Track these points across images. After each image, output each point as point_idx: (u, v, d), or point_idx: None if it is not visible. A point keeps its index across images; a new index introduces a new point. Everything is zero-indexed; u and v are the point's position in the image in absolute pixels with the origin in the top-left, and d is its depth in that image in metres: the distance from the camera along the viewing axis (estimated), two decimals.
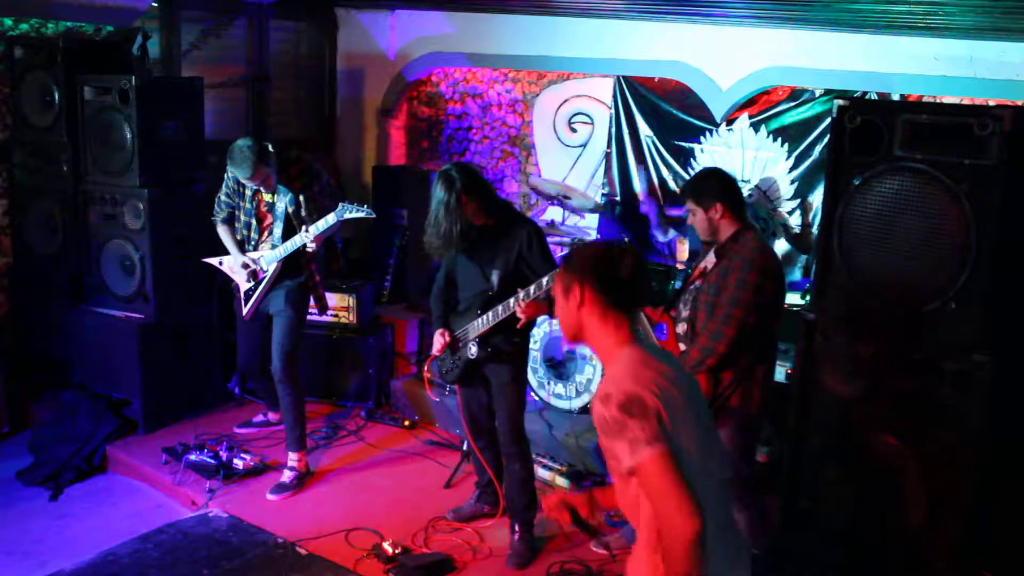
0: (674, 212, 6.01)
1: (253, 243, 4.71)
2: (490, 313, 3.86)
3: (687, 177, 5.85)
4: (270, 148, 4.47)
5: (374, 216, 4.56)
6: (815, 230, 5.40)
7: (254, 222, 4.67)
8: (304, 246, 4.52)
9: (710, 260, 3.71)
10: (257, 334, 4.83)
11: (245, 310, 4.76)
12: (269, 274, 4.66)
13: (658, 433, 1.96)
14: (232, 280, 4.83)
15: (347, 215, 4.42)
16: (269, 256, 4.64)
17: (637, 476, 1.98)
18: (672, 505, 1.90)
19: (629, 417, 1.97)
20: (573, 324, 2.21)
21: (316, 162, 4.76)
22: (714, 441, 2.23)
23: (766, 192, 5.81)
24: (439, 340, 4.03)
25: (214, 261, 4.86)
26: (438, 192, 3.77)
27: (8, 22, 5.52)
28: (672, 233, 6.00)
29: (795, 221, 5.71)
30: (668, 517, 1.91)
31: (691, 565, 1.89)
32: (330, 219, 4.43)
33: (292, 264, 4.65)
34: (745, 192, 5.80)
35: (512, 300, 3.74)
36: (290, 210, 4.56)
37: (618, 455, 2.00)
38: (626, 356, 2.13)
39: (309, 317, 4.94)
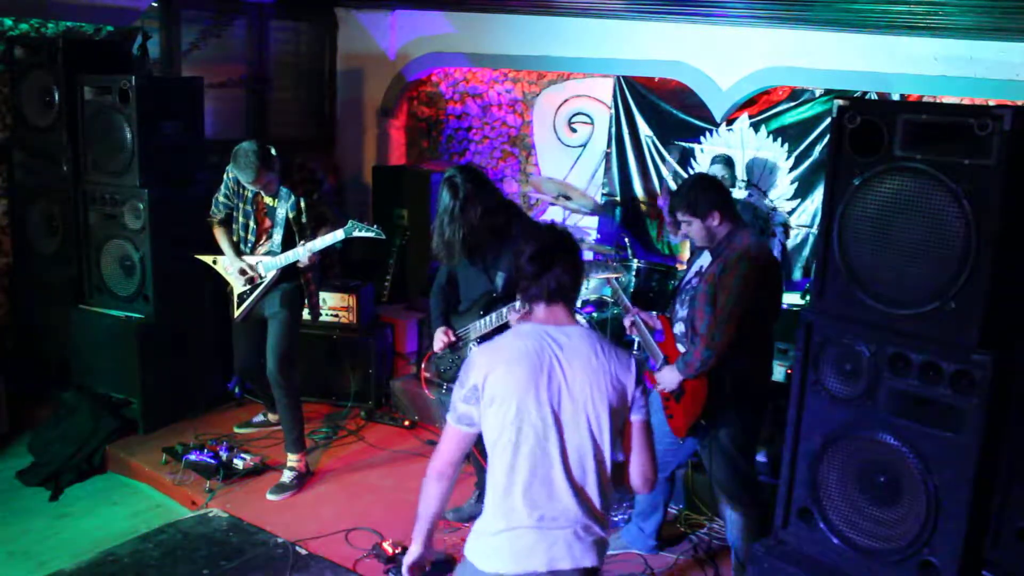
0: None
1: (250, 245, 4.70)
2: (493, 315, 3.85)
3: (686, 176, 5.85)
4: (273, 152, 4.46)
5: (383, 237, 4.56)
6: (815, 230, 5.40)
7: (252, 224, 4.66)
8: (298, 260, 4.53)
9: (706, 259, 3.71)
10: (253, 337, 4.82)
11: (238, 313, 4.75)
12: (266, 281, 4.65)
13: (455, 406, 2.48)
14: (225, 280, 4.82)
15: (355, 233, 4.44)
16: (268, 263, 4.63)
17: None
18: (435, 453, 2.55)
19: (459, 377, 2.50)
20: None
21: (320, 170, 4.76)
22: (572, 424, 2.45)
23: (766, 192, 5.81)
24: (441, 338, 4.02)
25: (208, 259, 4.84)
26: (444, 198, 3.77)
27: (8, 22, 5.52)
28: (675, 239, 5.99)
29: (795, 221, 5.71)
30: (434, 455, 2.56)
31: (425, 490, 2.54)
32: (338, 234, 4.44)
33: (289, 267, 4.64)
34: (745, 192, 5.82)
35: (518, 303, 3.74)
36: (291, 216, 4.56)
37: None
38: (517, 329, 2.54)
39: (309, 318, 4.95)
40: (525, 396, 2.39)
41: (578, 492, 2.43)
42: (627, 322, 3.95)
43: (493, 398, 2.41)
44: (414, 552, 2.60)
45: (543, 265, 2.50)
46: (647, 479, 2.56)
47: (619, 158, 6.41)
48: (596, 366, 2.45)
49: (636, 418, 2.54)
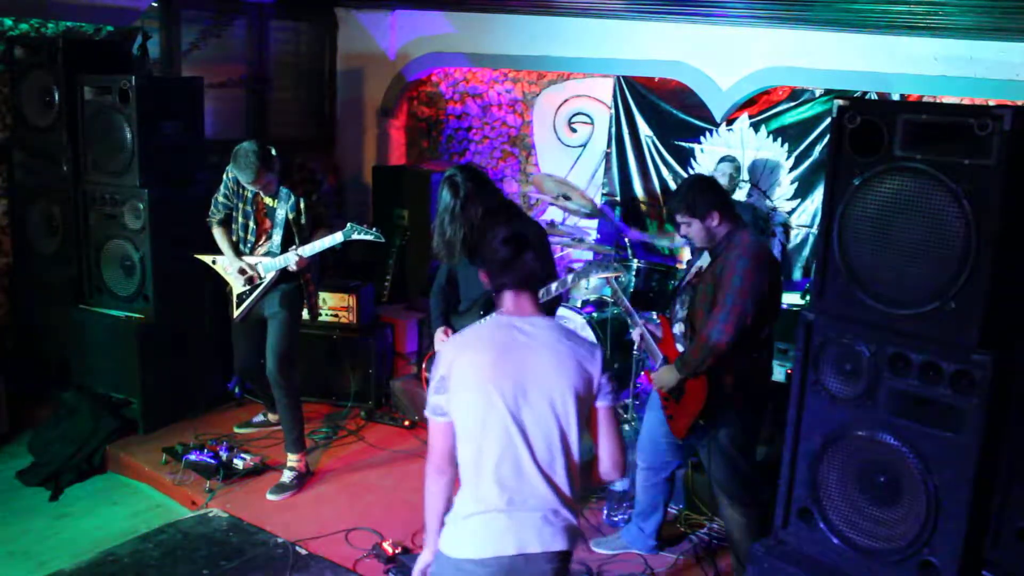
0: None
1: (249, 245, 4.70)
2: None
3: (686, 176, 5.85)
4: (274, 153, 4.46)
5: (383, 240, 4.56)
6: (815, 230, 5.40)
7: (252, 224, 4.66)
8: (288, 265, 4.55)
9: (706, 260, 3.71)
10: (253, 337, 4.82)
11: (237, 313, 4.75)
12: (266, 281, 4.65)
13: (429, 399, 2.53)
14: (224, 280, 4.82)
15: (355, 236, 4.44)
16: (268, 264, 4.63)
17: None
18: (429, 453, 2.56)
19: (433, 369, 2.56)
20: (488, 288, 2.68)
21: (319, 170, 4.76)
22: (535, 411, 2.50)
23: (766, 192, 5.81)
24: (442, 338, 4.02)
25: (207, 259, 4.84)
26: (444, 198, 3.76)
27: (8, 22, 5.52)
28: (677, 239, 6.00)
29: (795, 221, 5.71)
30: (427, 454, 2.57)
31: (429, 489, 2.57)
32: (337, 237, 4.45)
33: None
34: (745, 192, 5.82)
35: None
36: (291, 216, 4.56)
37: None
38: (485, 320, 2.63)
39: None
40: (491, 383, 2.44)
41: (546, 477, 2.48)
42: (636, 335, 3.96)
43: (460, 386, 2.47)
44: (427, 557, 2.60)
45: (517, 250, 2.55)
46: (617, 463, 2.60)
47: (619, 158, 6.42)
48: (562, 355, 2.50)
49: (602, 404, 2.58)
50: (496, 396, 2.44)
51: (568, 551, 2.52)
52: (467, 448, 2.49)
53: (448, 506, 2.56)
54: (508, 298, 2.59)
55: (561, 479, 2.50)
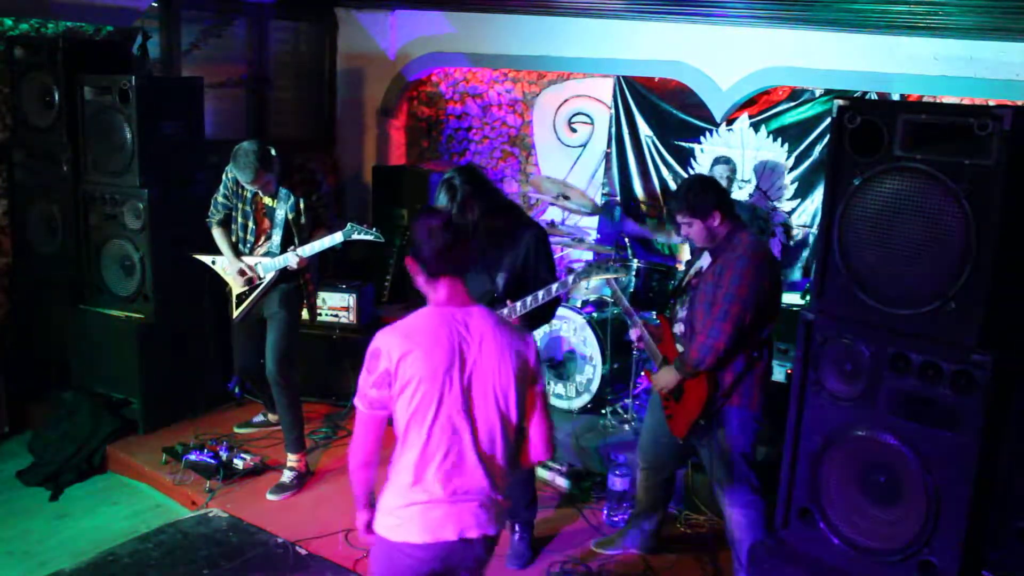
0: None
1: (248, 245, 4.69)
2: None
3: (686, 176, 5.86)
4: (273, 153, 4.46)
5: (382, 240, 4.57)
6: (815, 230, 5.40)
7: (251, 224, 4.66)
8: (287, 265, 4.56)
9: (706, 260, 3.71)
10: (253, 337, 4.82)
11: (237, 314, 4.75)
12: (265, 282, 4.65)
13: (365, 394, 2.54)
14: (224, 281, 4.82)
15: (355, 236, 4.45)
16: (267, 264, 4.63)
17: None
18: (354, 442, 2.61)
19: (366, 363, 2.54)
20: (417, 287, 2.65)
21: (320, 172, 4.76)
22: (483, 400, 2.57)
23: (766, 192, 5.81)
24: None
25: (207, 259, 4.83)
26: (441, 200, 3.72)
27: (8, 22, 5.52)
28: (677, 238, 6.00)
29: (795, 221, 5.71)
30: (351, 444, 2.62)
31: (355, 478, 2.63)
32: (336, 237, 4.45)
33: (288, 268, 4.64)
34: (745, 192, 5.82)
35: (518, 304, 3.74)
36: (290, 217, 4.56)
37: None
38: (416, 313, 2.58)
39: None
40: (438, 378, 2.48)
41: (488, 466, 2.57)
42: (634, 336, 3.96)
43: (407, 382, 2.48)
44: (364, 516, 2.69)
45: (456, 235, 2.57)
46: (548, 444, 2.70)
47: (619, 158, 6.41)
48: (502, 346, 2.56)
49: (538, 389, 2.67)
50: (446, 392, 2.49)
51: (498, 534, 2.69)
52: (412, 442, 2.53)
53: (374, 486, 2.66)
54: (444, 288, 2.58)
55: (498, 467, 2.61)
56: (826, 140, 5.21)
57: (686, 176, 5.89)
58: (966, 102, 4.91)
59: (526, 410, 2.65)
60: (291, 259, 4.53)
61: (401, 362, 2.48)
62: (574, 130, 6.73)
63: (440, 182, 3.75)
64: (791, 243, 5.73)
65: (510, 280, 3.83)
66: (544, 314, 3.89)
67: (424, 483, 2.53)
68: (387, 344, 2.52)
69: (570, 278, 3.89)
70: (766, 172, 5.79)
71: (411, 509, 2.55)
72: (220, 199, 4.70)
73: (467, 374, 2.52)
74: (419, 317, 2.58)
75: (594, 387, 5.35)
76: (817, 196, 5.48)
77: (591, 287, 5.46)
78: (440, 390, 2.48)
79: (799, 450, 3.05)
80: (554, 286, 3.76)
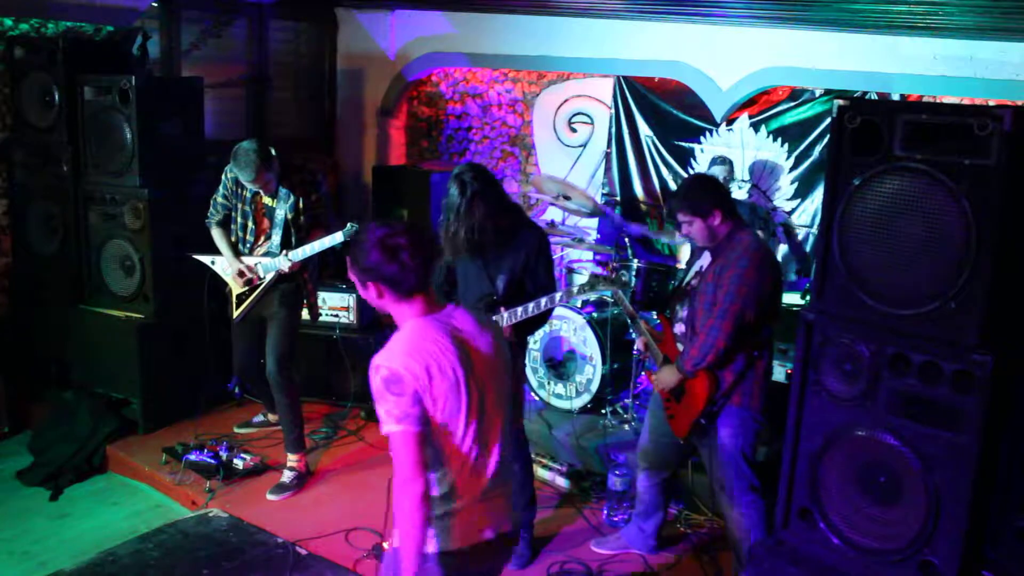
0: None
1: (248, 246, 4.69)
2: (495, 317, 3.85)
3: (686, 176, 5.86)
4: (273, 152, 4.46)
5: None
6: (815, 230, 5.40)
7: (251, 224, 4.66)
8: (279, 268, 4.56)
9: (706, 260, 3.72)
10: (252, 337, 4.82)
11: (236, 314, 4.75)
12: (265, 282, 4.65)
13: (407, 413, 2.35)
14: (223, 281, 4.81)
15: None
16: (267, 264, 4.63)
17: (389, 440, 2.40)
18: (407, 472, 2.36)
19: (387, 392, 2.36)
20: (380, 308, 2.53)
21: (319, 172, 4.76)
22: (502, 408, 2.58)
23: (766, 192, 5.81)
24: None
25: (206, 259, 4.83)
26: (451, 195, 3.74)
27: (8, 22, 5.52)
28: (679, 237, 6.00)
29: (795, 221, 5.71)
30: (402, 479, 2.37)
31: (417, 515, 2.37)
32: (336, 237, 4.45)
33: None
34: (745, 192, 5.82)
35: (520, 309, 3.74)
36: (289, 217, 4.56)
37: (379, 417, 2.40)
38: (409, 328, 2.46)
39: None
40: (461, 385, 2.44)
41: (503, 458, 2.59)
42: (640, 345, 3.97)
43: (438, 396, 2.40)
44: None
45: (429, 250, 2.46)
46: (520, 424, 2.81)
47: (619, 158, 6.41)
48: (488, 339, 2.56)
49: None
50: (468, 397, 2.46)
51: (519, 518, 2.75)
52: (448, 450, 2.48)
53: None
54: (420, 300, 2.47)
55: (509, 453, 2.65)
56: (826, 140, 5.22)
57: (686, 176, 5.90)
58: (966, 102, 4.91)
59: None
60: (282, 263, 4.53)
61: (427, 379, 2.38)
62: (574, 130, 6.73)
63: (452, 176, 3.76)
64: (791, 243, 5.73)
65: (510, 283, 3.84)
66: (540, 318, 3.90)
67: (457, 490, 2.49)
68: (404, 365, 2.37)
69: (575, 289, 3.92)
70: (765, 172, 5.79)
71: (447, 519, 2.48)
72: (219, 199, 4.70)
73: (478, 374, 2.50)
74: (414, 333, 2.45)
75: (594, 387, 5.35)
76: (817, 196, 5.48)
77: (592, 297, 5.46)
78: (464, 397, 2.45)
79: (799, 450, 3.05)
80: (557, 295, 3.77)
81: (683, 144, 6.11)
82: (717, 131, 5.94)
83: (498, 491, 2.58)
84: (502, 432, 2.60)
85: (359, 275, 2.47)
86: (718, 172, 5.55)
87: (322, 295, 5.70)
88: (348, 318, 5.81)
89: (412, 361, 2.39)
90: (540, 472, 4.81)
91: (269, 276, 4.63)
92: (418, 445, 2.38)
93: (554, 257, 4.10)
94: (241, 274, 4.65)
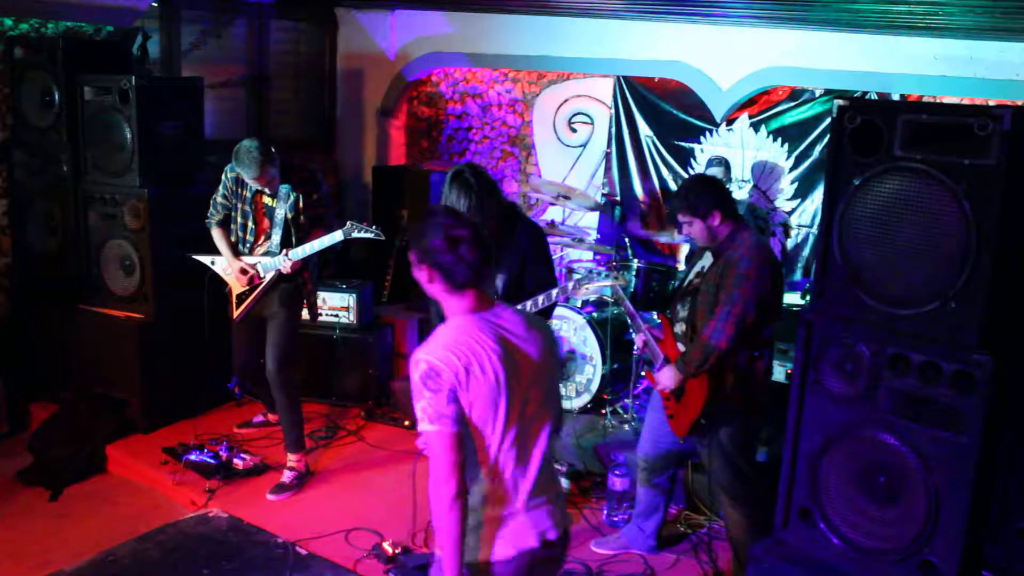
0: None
1: (248, 245, 4.69)
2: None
3: (686, 176, 5.86)
4: (273, 150, 4.47)
5: (383, 238, 4.56)
6: (815, 230, 5.40)
7: (251, 224, 4.66)
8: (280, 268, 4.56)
9: (707, 260, 3.72)
10: (252, 337, 4.82)
11: (236, 313, 4.75)
12: (265, 282, 4.65)
13: (442, 413, 2.31)
14: (223, 281, 4.81)
15: (355, 234, 4.44)
16: (267, 263, 4.63)
17: (424, 437, 2.37)
18: (442, 473, 2.31)
19: (424, 387, 2.33)
20: (430, 294, 2.49)
21: (320, 172, 4.77)
22: (544, 413, 2.50)
23: (766, 192, 5.81)
24: None
25: (206, 260, 4.83)
26: (453, 196, 3.69)
27: (8, 22, 5.52)
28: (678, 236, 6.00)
29: (795, 221, 5.71)
30: (436, 480, 2.32)
31: (451, 516, 2.32)
32: (336, 236, 4.45)
33: None
34: (745, 192, 5.82)
35: (528, 304, 3.74)
36: (290, 216, 4.56)
37: (415, 415, 2.37)
38: (454, 324, 2.42)
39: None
40: (501, 387, 2.37)
41: (547, 462, 2.52)
42: (639, 341, 3.96)
43: (475, 396, 2.35)
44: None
45: (455, 242, 2.38)
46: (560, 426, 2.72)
47: (619, 158, 6.41)
48: (536, 340, 2.49)
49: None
50: (509, 399, 2.39)
51: (569, 525, 2.61)
52: (486, 455, 2.42)
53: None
54: (471, 296, 2.43)
55: (551, 461, 2.57)
56: (826, 140, 5.21)
57: (686, 176, 5.90)
58: (966, 102, 4.91)
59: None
60: (283, 263, 4.53)
61: (466, 377, 2.33)
62: (574, 130, 6.73)
63: (451, 177, 3.71)
64: (791, 243, 5.73)
65: (509, 281, 3.83)
66: (542, 315, 3.89)
67: (498, 496, 2.43)
68: (443, 360, 2.33)
69: (571, 284, 3.89)
70: (766, 172, 5.79)
71: (489, 527, 2.43)
72: (219, 199, 4.70)
73: (521, 377, 2.42)
74: (458, 329, 2.41)
75: (594, 387, 5.35)
76: (817, 196, 5.48)
77: (591, 288, 5.46)
78: (504, 400, 2.37)
79: (799, 450, 3.05)
80: (554, 292, 3.76)
81: (683, 144, 6.11)
82: (717, 131, 5.94)
83: (542, 498, 2.49)
84: (547, 437, 2.51)
85: (417, 254, 2.43)
86: (715, 173, 5.55)
87: (322, 295, 5.71)
88: (348, 318, 5.82)
89: (452, 357, 2.33)
90: None
91: (269, 276, 4.63)
92: (454, 446, 2.33)
93: (554, 257, 4.09)
94: (243, 272, 4.64)
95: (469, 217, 3.66)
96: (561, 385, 5.39)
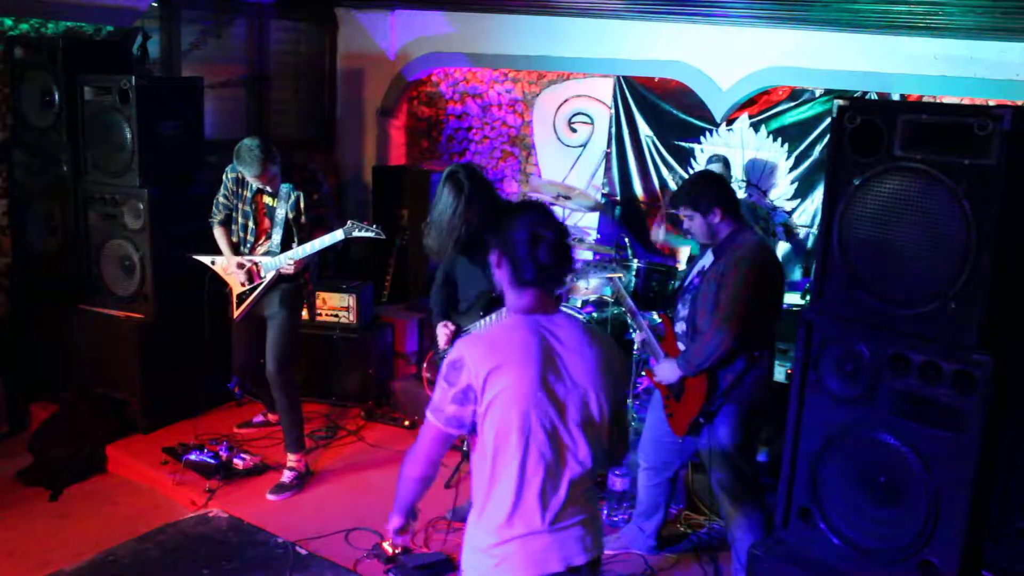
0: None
1: (248, 245, 4.69)
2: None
3: (686, 176, 5.86)
4: (274, 149, 4.47)
5: (383, 237, 4.56)
6: (815, 230, 5.40)
7: (251, 224, 4.66)
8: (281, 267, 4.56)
9: (708, 259, 3.72)
10: (252, 337, 4.82)
11: (236, 313, 4.75)
12: (266, 281, 4.65)
13: (444, 407, 2.31)
14: (223, 281, 4.81)
15: (355, 233, 4.45)
16: (267, 263, 4.63)
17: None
18: (418, 456, 2.40)
19: (445, 374, 2.32)
20: (496, 278, 2.45)
21: (320, 172, 4.77)
22: (581, 420, 2.36)
23: (766, 192, 5.81)
24: (444, 332, 4.01)
25: (206, 260, 4.83)
26: (445, 196, 3.72)
27: (8, 22, 5.52)
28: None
29: (795, 221, 5.71)
30: (412, 458, 2.42)
31: (410, 488, 2.46)
32: (337, 235, 4.45)
33: None
34: (745, 192, 5.82)
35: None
36: (291, 216, 4.56)
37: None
38: (504, 323, 2.43)
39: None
40: (533, 395, 2.26)
41: (584, 485, 2.40)
42: (639, 339, 3.96)
43: (496, 400, 2.25)
44: (400, 521, 2.54)
45: (535, 240, 2.31)
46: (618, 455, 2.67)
47: (619, 158, 6.42)
48: (592, 352, 2.37)
49: (622, 397, 2.56)
50: (541, 411, 2.27)
51: (602, 552, 2.50)
52: (505, 469, 2.31)
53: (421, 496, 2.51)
54: (530, 296, 2.36)
55: (590, 481, 2.45)
56: (826, 140, 5.22)
57: (686, 176, 5.90)
58: (966, 102, 4.91)
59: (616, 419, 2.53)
60: (283, 262, 4.53)
61: (489, 378, 2.24)
62: (574, 130, 6.73)
63: (444, 177, 3.74)
64: (791, 243, 5.73)
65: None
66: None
67: (521, 514, 2.31)
68: (472, 355, 2.27)
69: (568, 277, 3.88)
70: (766, 172, 5.79)
71: (510, 545, 2.32)
72: (221, 199, 4.71)
73: (562, 390, 2.30)
74: (504, 327, 2.37)
75: None
76: (817, 196, 5.48)
77: (591, 287, 5.46)
78: (535, 409, 2.26)
79: (799, 450, 3.05)
80: None
81: (683, 144, 6.11)
82: (717, 131, 5.94)
83: (572, 519, 2.37)
84: (587, 454, 2.36)
85: (495, 237, 2.39)
86: (715, 170, 5.55)
87: (322, 295, 5.71)
88: (348, 318, 5.82)
89: (482, 353, 2.28)
90: None
91: (269, 275, 4.63)
92: (436, 440, 2.37)
93: None
94: (241, 266, 4.64)
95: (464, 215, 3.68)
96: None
